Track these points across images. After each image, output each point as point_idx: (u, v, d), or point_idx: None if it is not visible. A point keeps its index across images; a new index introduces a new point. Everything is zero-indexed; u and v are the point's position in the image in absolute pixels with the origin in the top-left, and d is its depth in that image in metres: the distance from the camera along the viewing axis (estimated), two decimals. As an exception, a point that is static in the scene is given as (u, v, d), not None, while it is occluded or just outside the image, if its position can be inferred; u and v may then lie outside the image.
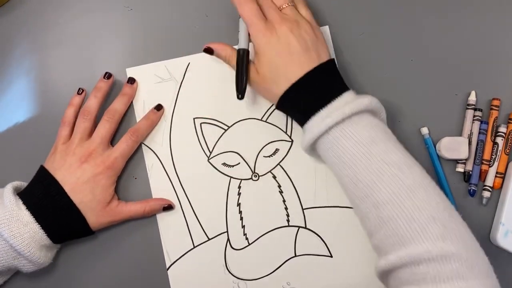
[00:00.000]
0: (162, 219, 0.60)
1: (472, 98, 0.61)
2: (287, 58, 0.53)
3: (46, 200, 0.54)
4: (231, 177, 0.61)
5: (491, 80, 0.62)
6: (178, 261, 0.60)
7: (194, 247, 0.60)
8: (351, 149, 0.50)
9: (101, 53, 0.63)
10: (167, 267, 0.60)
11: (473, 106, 0.61)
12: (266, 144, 0.61)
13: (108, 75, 0.60)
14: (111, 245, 0.60)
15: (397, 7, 0.63)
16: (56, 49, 0.63)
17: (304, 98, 0.52)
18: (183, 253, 0.60)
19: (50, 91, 0.62)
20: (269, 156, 0.61)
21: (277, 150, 0.61)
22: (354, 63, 0.62)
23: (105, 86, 0.60)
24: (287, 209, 0.60)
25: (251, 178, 0.61)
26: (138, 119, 0.61)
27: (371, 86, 0.62)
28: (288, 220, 0.60)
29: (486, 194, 0.60)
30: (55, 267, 0.59)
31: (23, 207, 0.53)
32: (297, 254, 0.60)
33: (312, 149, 0.54)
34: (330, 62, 0.54)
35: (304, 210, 0.60)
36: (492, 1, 0.63)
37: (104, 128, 0.58)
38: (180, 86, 0.62)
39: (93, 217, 0.55)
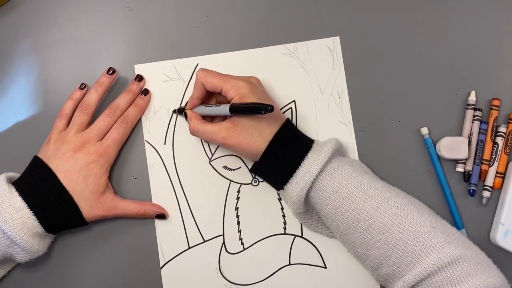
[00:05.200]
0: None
1: (472, 98, 0.61)
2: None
3: (39, 187, 0.54)
4: (231, 180, 0.61)
5: (491, 80, 0.62)
6: (172, 260, 0.60)
7: (189, 247, 0.60)
8: (345, 182, 0.53)
9: (101, 53, 0.63)
10: (160, 265, 0.60)
11: (473, 106, 0.61)
12: None
13: (112, 71, 0.60)
14: (107, 240, 0.60)
15: (397, 7, 0.63)
16: (56, 49, 0.63)
17: (287, 151, 0.54)
18: (178, 253, 0.60)
19: (50, 91, 0.62)
20: None
21: None
22: (353, 63, 0.62)
23: (107, 81, 0.60)
24: (285, 217, 0.60)
25: (251, 183, 0.61)
26: (143, 116, 0.61)
27: (371, 86, 0.62)
28: (284, 228, 0.60)
29: (486, 194, 0.60)
30: (49, 258, 0.59)
31: (16, 194, 0.53)
32: (291, 263, 0.60)
33: (304, 200, 0.55)
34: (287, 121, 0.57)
35: None
36: (492, 1, 0.63)
37: (104, 122, 0.58)
38: (187, 86, 0.62)
39: (87, 207, 0.55)
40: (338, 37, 0.63)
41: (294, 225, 0.60)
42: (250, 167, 0.60)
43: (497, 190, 0.61)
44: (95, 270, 0.60)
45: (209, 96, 0.59)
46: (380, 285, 0.59)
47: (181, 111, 0.60)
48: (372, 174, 0.56)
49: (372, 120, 0.62)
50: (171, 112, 0.62)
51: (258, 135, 0.54)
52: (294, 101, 0.62)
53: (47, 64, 0.63)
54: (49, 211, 0.54)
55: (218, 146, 0.61)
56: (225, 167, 0.61)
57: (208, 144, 0.61)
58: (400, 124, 0.62)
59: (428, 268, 0.48)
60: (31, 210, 0.53)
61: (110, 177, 0.59)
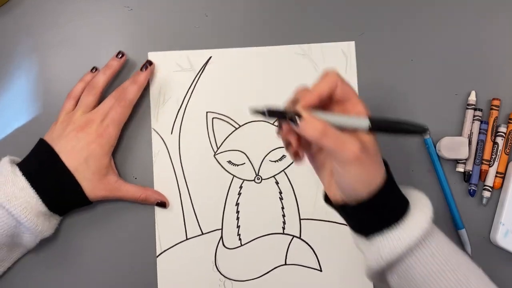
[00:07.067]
0: (160, 205, 0.61)
1: (472, 98, 0.61)
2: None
3: (42, 166, 0.54)
4: (234, 175, 0.61)
5: (491, 80, 0.62)
6: (169, 250, 0.60)
7: (187, 239, 0.60)
8: (449, 253, 0.44)
9: (101, 53, 0.63)
10: (157, 254, 0.60)
11: (473, 106, 0.61)
12: (274, 149, 0.61)
13: (121, 54, 0.61)
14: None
15: (397, 7, 0.63)
16: (56, 49, 0.63)
17: (393, 197, 0.45)
18: (175, 243, 0.60)
19: (50, 91, 0.62)
20: (275, 161, 0.61)
21: (283, 156, 0.61)
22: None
23: (116, 64, 0.60)
24: (285, 216, 0.60)
25: (253, 180, 0.61)
26: (152, 104, 0.62)
27: (371, 86, 0.62)
28: (283, 228, 0.60)
29: (486, 194, 0.60)
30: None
31: (19, 173, 0.53)
32: (287, 263, 0.60)
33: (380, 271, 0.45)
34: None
35: (301, 220, 0.60)
36: (491, 1, 0.63)
37: (110, 102, 0.58)
38: (199, 78, 0.62)
39: (89, 187, 0.55)
40: (353, 42, 0.62)
41: (293, 226, 0.60)
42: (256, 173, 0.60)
43: (497, 190, 0.61)
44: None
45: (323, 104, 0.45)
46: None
47: (283, 114, 0.42)
48: (460, 250, 0.47)
49: (372, 120, 0.62)
50: (181, 102, 0.61)
51: (380, 165, 0.44)
52: None
53: (47, 64, 0.63)
54: (52, 190, 0.54)
55: (225, 140, 0.61)
56: (229, 161, 0.61)
57: (215, 137, 0.61)
58: (400, 124, 0.62)
59: None
60: (34, 189, 0.53)
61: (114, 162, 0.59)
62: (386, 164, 0.46)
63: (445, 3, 0.63)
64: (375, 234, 0.44)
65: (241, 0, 0.63)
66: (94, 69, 0.61)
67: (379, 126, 0.42)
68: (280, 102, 0.52)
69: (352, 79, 0.62)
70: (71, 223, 0.60)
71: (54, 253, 0.60)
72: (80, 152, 0.55)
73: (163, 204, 0.59)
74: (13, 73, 0.63)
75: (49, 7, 0.63)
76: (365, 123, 0.42)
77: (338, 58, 0.62)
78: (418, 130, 0.42)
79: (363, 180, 0.42)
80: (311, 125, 0.41)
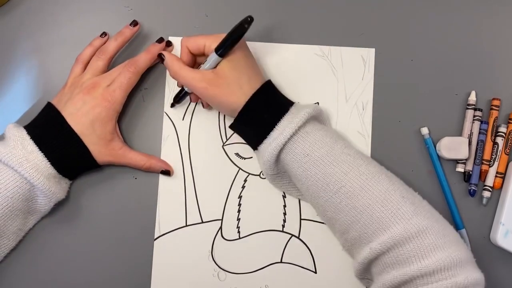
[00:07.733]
0: (164, 189, 0.61)
1: (472, 98, 0.61)
2: (247, 70, 0.55)
3: (48, 129, 0.55)
4: (240, 168, 0.61)
5: (491, 80, 0.62)
6: (167, 234, 0.60)
7: (186, 225, 0.60)
8: (317, 146, 0.53)
9: (101, 53, 0.63)
10: (155, 237, 0.60)
11: (473, 106, 0.61)
12: None
13: (134, 23, 0.61)
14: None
15: (397, 7, 0.63)
16: (56, 49, 0.63)
17: (264, 111, 0.54)
18: (174, 229, 0.60)
19: (50, 91, 0.62)
20: None
21: None
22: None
23: (129, 32, 0.60)
24: (286, 214, 0.61)
25: (259, 175, 0.61)
26: (167, 88, 0.62)
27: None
28: (283, 226, 0.60)
29: (486, 194, 0.60)
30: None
31: (27, 137, 0.54)
32: (282, 261, 0.60)
33: (275, 161, 0.55)
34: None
35: (302, 221, 0.60)
36: (492, 2, 0.63)
37: (119, 69, 0.58)
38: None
39: (95, 151, 0.56)
40: (373, 49, 0.62)
41: (293, 225, 0.60)
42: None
43: (497, 190, 0.61)
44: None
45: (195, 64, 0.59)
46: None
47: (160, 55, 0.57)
48: (346, 141, 0.56)
49: (372, 120, 0.62)
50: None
51: (238, 89, 0.54)
52: (317, 103, 0.62)
53: (47, 64, 0.63)
54: (60, 153, 0.54)
55: (235, 133, 0.61)
56: (237, 154, 0.61)
57: (225, 128, 0.61)
58: (400, 124, 0.62)
59: (395, 237, 0.47)
60: (42, 152, 0.54)
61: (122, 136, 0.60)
62: (266, 84, 0.55)
63: (445, 3, 0.63)
64: (256, 147, 0.55)
65: (240, 1, 0.63)
66: (104, 34, 0.61)
67: (222, 45, 0.53)
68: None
69: (368, 85, 0.62)
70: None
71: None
72: (86, 115, 0.55)
73: (167, 172, 0.60)
74: (14, 73, 0.63)
75: (49, 7, 0.63)
76: (214, 55, 0.54)
77: (357, 64, 0.62)
78: (244, 21, 0.52)
79: (221, 104, 0.55)
80: (172, 66, 0.55)
